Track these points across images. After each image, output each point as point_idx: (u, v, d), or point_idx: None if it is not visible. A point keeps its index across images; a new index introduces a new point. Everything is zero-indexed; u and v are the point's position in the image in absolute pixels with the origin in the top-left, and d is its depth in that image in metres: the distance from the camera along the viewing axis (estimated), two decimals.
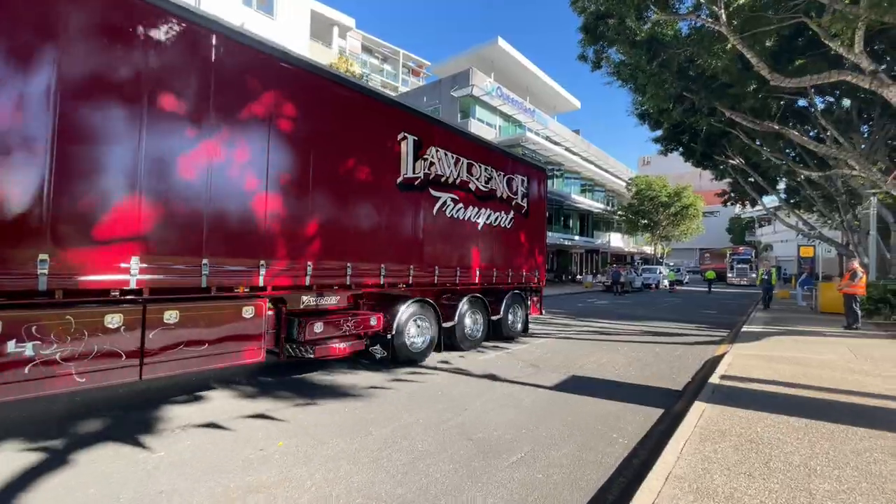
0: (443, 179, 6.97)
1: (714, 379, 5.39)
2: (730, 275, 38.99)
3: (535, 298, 9.76)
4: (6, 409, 4.10)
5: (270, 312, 4.89)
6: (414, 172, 6.44)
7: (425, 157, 6.64)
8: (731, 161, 18.25)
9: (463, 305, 7.41)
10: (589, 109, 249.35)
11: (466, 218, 7.46)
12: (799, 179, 19.25)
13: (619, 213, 40.14)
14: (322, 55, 25.39)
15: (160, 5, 3.79)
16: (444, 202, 6.99)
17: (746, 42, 9.75)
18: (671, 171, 49.37)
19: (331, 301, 5.89)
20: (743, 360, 6.53)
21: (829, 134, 14.31)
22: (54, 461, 3.21)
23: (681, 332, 10.43)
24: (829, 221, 22.77)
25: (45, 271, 3.21)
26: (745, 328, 10.35)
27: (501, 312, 8.42)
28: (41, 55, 3.19)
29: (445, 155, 7.03)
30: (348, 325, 5.64)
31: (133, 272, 3.66)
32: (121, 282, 3.62)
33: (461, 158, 7.36)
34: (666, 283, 32.24)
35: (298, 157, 4.93)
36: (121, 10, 3.57)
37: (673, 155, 21.36)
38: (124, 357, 3.65)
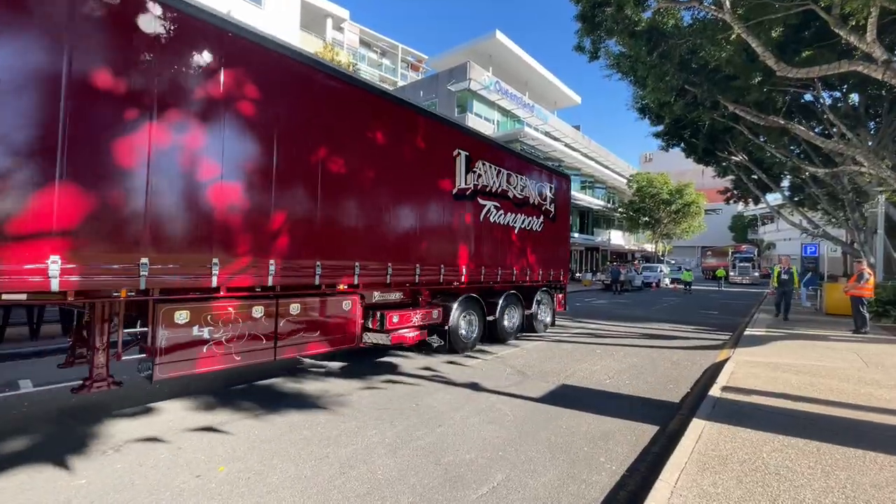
0: (487, 189, 7.66)
1: (714, 391, 4.95)
2: (732, 273, 38.36)
3: (559, 295, 10.37)
4: None
5: (359, 306, 5.56)
6: (465, 183, 7.14)
7: (474, 169, 7.35)
8: (734, 157, 17.73)
9: (502, 301, 8.08)
10: (590, 105, 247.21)
11: (506, 223, 8.15)
12: (804, 177, 18.71)
13: (620, 210, 39.53)
14: (315, 46, 24.85)
15: None
16: (489, 209, 7.69)
17: (752, 31, 9.24)
18: (673, 168, 48.77)
19: (395, 297, 6.60)
20: (746, 369, 6.09)
21: (835, 130, 13.81)
22: None
23: (680, 335, 9.99)
24: (834, 220, 22.22)
25: None
26: (747, 331, 9.89)
27: (533, 307, 9.17)
28: None
29: (490, 167, 7.74)
30: (416, 317, 6.39)
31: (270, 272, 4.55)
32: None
33: (501, 170, 8.05)
34: (667, 281, 31.69)
35: (384, 177, 5.66)
36: None
37: (675, 151, 20.84)
38: (264, 341, 4.45)
